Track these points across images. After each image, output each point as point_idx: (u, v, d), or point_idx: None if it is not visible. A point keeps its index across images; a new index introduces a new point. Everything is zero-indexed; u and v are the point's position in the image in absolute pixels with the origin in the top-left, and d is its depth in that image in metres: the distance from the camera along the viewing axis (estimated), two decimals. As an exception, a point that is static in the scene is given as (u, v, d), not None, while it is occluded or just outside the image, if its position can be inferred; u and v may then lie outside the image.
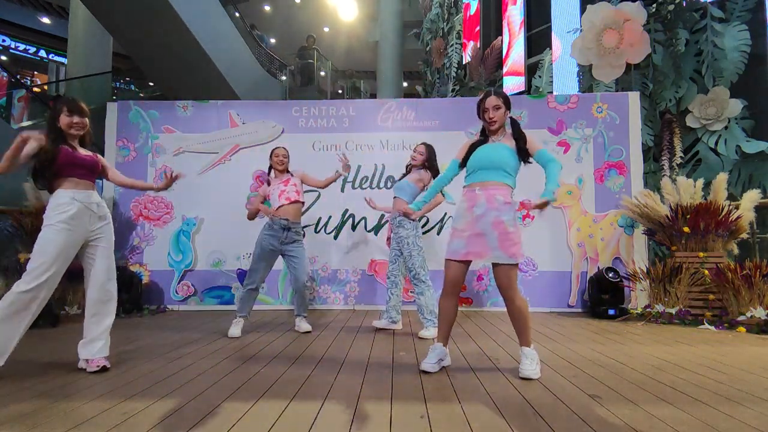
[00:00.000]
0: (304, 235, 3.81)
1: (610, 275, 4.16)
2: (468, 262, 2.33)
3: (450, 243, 2.35)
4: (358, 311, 4.58)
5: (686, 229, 4.04)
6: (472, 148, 2.43)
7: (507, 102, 2.39)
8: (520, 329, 2.27)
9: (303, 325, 3.46)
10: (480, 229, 2.25)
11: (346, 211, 4.86)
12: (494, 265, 2.25)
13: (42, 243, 2.22)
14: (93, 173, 2.45)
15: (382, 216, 4.80)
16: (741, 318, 3.57)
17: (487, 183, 2.28)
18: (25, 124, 7.73)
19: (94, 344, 2.35)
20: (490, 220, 2.23)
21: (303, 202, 3.57)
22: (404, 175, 3.56)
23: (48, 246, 2.21)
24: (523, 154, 2.33)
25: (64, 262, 2.26)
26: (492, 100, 2.35)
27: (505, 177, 2.29)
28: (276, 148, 3.63)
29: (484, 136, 2.46)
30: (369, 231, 4.82)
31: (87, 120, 2.43)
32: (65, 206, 2.27)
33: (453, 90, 9.14)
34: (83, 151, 2.44)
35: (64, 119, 2.37)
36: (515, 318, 2.27)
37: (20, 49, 16.58)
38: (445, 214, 4.76)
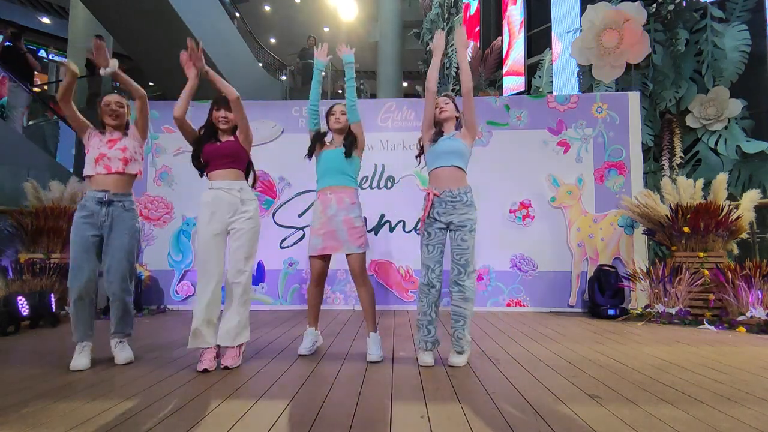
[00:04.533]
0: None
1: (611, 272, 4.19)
2: (328, 256, 2.69)
3: (310, 241, 2.70)
4: (358, 311, 4.58)
5: (686, 229, 4.04)
6: (320, 147, 2.80)
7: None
8: (365, 314, 2.65)
9: (121, 353, 2.53)
10: (333, 227, 2.61)
11: (346, 211, 4.85)
12: (347, 255, 2.62)
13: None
14: (234, 160, 2.52)
15: (383, 216, 4.80)
16: (741, 318, 3.57)
17: (336, 187, 2.66)
18: (25, 124, 7.72)
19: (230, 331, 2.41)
20: (341, 218, 2.61)
21: (135, 174, 2.57)
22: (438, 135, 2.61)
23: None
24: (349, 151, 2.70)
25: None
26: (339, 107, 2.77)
27: (350, 181, 2.70)
28: (108, 95, 2.61)
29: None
30: (369, 231, 4.82)
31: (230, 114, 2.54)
32: (204, 196, 2.48)
33: (453, 90, 9.14)
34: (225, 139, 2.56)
35: (214, 114, 2.55)
36: (362, 300, 2.63)
37: (20, 49, 16.55)
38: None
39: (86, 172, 2.49)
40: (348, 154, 2.67)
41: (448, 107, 2.58)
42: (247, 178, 2.60)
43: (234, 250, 2.43)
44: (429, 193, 2.49)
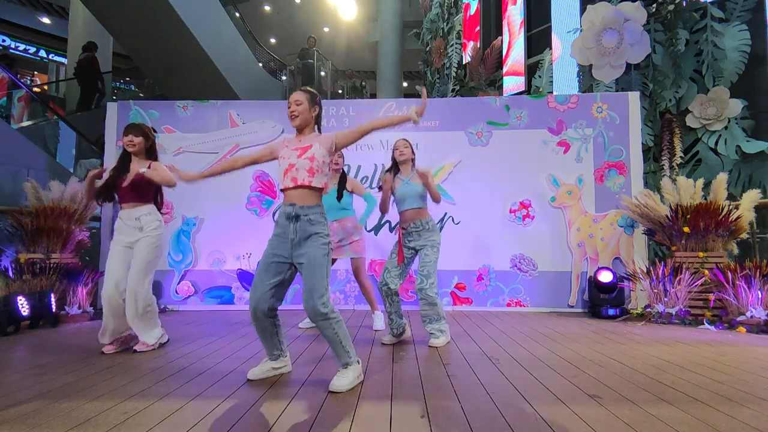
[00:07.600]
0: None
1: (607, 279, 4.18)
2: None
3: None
4: (358, 311, 4.58)
5: (686, 229, 4.04)
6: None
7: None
8: (368, 300, 3.57)
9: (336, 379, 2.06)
10: (340, 243, 3.48)
11: (346, 211, 4.87)
12: (352, 259, 3.52)
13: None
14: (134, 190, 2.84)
15: (382, 217, 4.80)
16: (741, 318, 3.57)
17: (341, 219, 3.48)
18: (25, 124, 7.73)
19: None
20: (347, 237, 3.49)
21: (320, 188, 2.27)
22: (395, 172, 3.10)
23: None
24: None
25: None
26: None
27: (348, 213, 3.53)
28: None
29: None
30: (369, 231, 4.82)
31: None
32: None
33: (453, 90, 9.13)
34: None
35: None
36: (365, 292, 3.56)
37: (20, 49, 16.57)
38: (445, 213, 4.77)
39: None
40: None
41: (407, 151, 3.07)
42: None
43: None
44: (399, 230, 3.10)
